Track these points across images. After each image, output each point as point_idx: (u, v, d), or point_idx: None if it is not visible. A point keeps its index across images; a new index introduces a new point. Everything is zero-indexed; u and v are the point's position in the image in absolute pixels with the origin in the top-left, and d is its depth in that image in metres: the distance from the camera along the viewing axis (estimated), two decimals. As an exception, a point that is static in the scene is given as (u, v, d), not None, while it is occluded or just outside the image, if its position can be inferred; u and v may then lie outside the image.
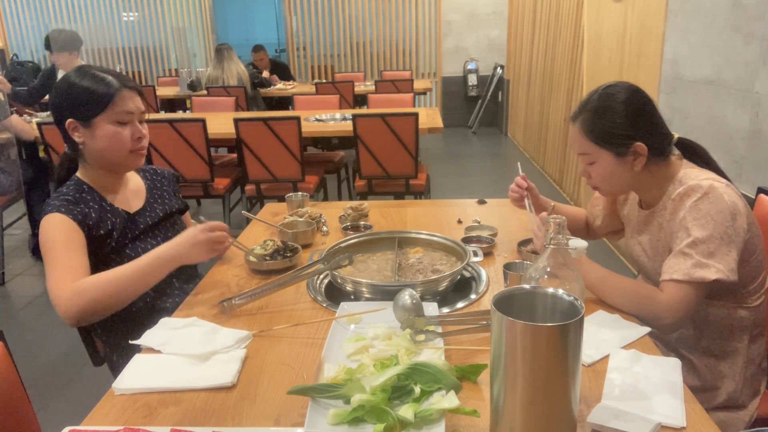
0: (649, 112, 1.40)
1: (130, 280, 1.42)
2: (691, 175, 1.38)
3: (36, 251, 3.96)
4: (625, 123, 1.37)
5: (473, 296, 1.44)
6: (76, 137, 1.53)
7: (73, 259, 1.43)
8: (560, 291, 0.92)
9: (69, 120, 1.51)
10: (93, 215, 1.53)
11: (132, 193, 1.67)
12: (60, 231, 1.45)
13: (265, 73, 6.60)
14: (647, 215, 1.49)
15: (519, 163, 1.80)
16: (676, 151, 1.46)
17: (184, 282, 1.73)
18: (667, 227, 1.41)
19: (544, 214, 1.51)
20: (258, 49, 6.76)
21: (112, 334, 1.62)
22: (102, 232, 1.53)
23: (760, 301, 1.42)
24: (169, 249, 1.47)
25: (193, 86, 6.12)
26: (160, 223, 1.67)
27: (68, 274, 1.39)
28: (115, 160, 1.56)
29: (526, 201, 1.67)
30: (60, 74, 4.47)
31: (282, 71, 6.97)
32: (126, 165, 1.59)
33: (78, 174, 1.60)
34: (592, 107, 1.40)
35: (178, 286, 1.70)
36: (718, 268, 1.26)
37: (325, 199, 4.41)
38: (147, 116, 1.61)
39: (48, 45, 4.30)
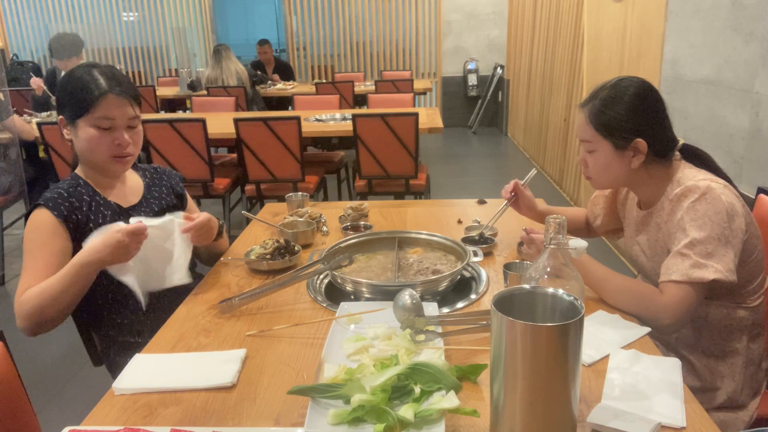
0: (657, 111, 1.40)
1: (59, 290, 1.37)
2: (688, 175, 1.38)
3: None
4: (630, 117, 1.37)
5: (473, 296, 1.44)
6: (65, 134, 1.56)
7: (41, 259, 1.43)
8: (560, 291, 0.91)
9: (60, 116, 1.55)
10: (83, 209, 1.54)
11: (129, 189, 1.67)
12: (39, 232, 1.46)
13: (269, 71, 6.61)
14: (645, 215, 1.49)
15: (534, 171, 1.82)
16: (678, 155, 1.46)
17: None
18: (665, 228, 1.41)
19: (523, 234, 1.51)
20: (263, 42, 6.81)
21: (108, 328, 1.63)
22: (91, 225, 1.53)
23: (759, 301, 1.42)
24: (91, 254, 1.37)
25: (193, 86, 6.13)
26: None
27: (32, 279, 1.41)
28: (95, 163, 1.56)
29: (504, 204, 1.75)
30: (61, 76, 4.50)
31: (285, 71, 6.98)
32: (107, 170, 1.58)
33: (77, 170, 1.62)
34: (602, 96, 1.40)
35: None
36: (717, 268, 1.25)
37: (325, 199, 4.41)
38: (141, 118, 1.59)
39: (51, 51, 4.33)
